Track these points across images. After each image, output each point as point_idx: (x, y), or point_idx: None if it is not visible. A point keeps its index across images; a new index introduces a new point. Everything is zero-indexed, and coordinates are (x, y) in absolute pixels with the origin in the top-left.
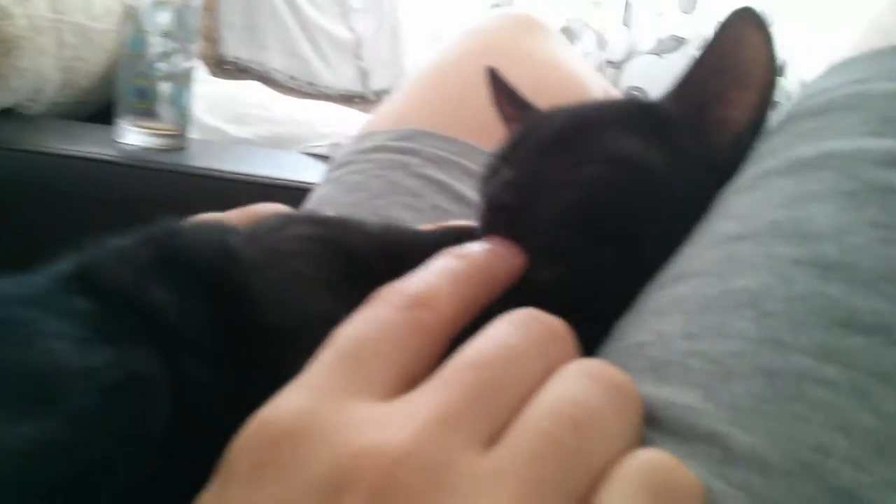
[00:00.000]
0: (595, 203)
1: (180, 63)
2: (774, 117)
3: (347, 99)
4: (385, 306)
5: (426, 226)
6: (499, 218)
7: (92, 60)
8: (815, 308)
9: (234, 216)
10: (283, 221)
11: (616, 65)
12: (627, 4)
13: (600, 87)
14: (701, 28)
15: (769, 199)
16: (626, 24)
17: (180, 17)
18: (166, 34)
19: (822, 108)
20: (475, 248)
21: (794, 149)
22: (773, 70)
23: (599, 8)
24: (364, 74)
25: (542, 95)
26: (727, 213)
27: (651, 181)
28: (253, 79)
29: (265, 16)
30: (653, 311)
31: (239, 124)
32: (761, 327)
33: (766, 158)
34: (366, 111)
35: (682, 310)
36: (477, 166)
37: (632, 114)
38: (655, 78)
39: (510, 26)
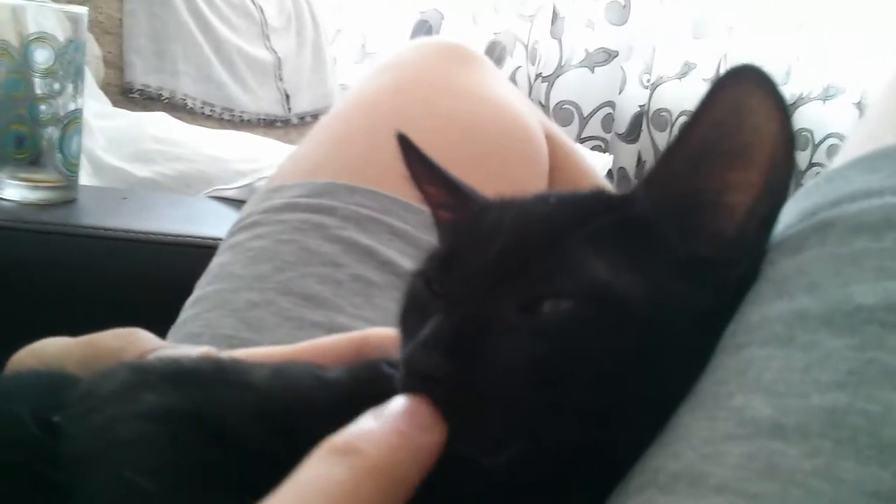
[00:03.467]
0: (561, 359)
1: (67, 104)
2: (786, 215)
3: (269, 124)
4: None
5: (336, 339)
6: (425, 389)
7: None
8: None
9: (77, 351)
10: (131, 383)
11: (547, 78)
12: (556, 17)
13: (538, 122)
14: (631, 40)
15: (816, 367)
16: (555, 36)
17: (65, 52)
18: (48, 73)
19: (875, 222)
20: (365, 434)
21: (845, 286)
22: (785, 141)
23: (529, 21)
24: (286, 97)
25: (479, 133)
26: (752, 376)
27: (631, 318)
28: (163, 108)
29: (175, 39)
30: None
31: (141, 162)
32: None
33: (800, 292)
34: (288, 137)
35: None
36: (407, 226)
37: (596, 216)
38: (586, 91)
39: (441, 58)
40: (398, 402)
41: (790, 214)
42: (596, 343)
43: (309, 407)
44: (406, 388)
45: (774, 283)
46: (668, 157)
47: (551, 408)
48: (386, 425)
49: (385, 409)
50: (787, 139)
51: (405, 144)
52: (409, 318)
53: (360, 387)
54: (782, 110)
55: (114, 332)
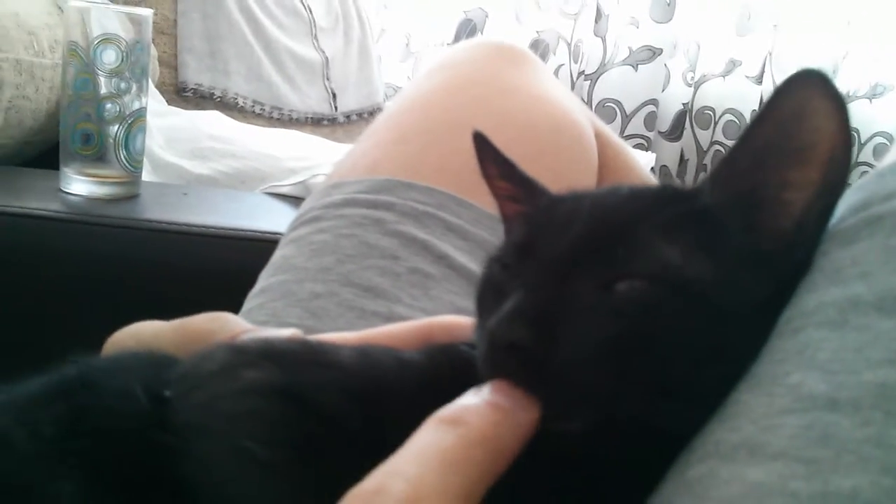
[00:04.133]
0: (634, 335)
1: (131, 104)
2: (840, 208)
3: (316, 122)
4: None
5: (406, 326)
6: (508, 360)
7: (37, 99)
8: None
9: (171, 334)
10: (231, 361)
11: (590, 76)
12: (599, 15)
13: (587, 120)
14: (675, 38)
15: (868, 346)
16: (598, 34)
17: (129, 53)
18: (114, 73)
19: None
20: (471, 408)
21: (894, 273)
22: (843, 140)
23: (572, 19)
24: (332, 96)
25: (532, 131)
26: (808, 356)
27: (700, 300)
28: (214, 106)
29: (227, 39)
30: (720, 501)
31: (198, 160)
32: None
33: (853, 280)
34: (335, 135)
35: None
36: (461, 221)
37: (666, 207)
38: (629, 89)
39: (493, 57)
40: (496, 384)
41: (843, 208)
42: (667, 322)
43: (393, 386)
44: (488, 359)
45: (828, 272)
46: (734, 155)
47: (624, 380)
48: (489, 401)
49: (485, 388)
50: (846, 139)
51: (480, 141)
52: (486, 300)
53: (439, 367)
54: (842, 111)
55: (205, 315)
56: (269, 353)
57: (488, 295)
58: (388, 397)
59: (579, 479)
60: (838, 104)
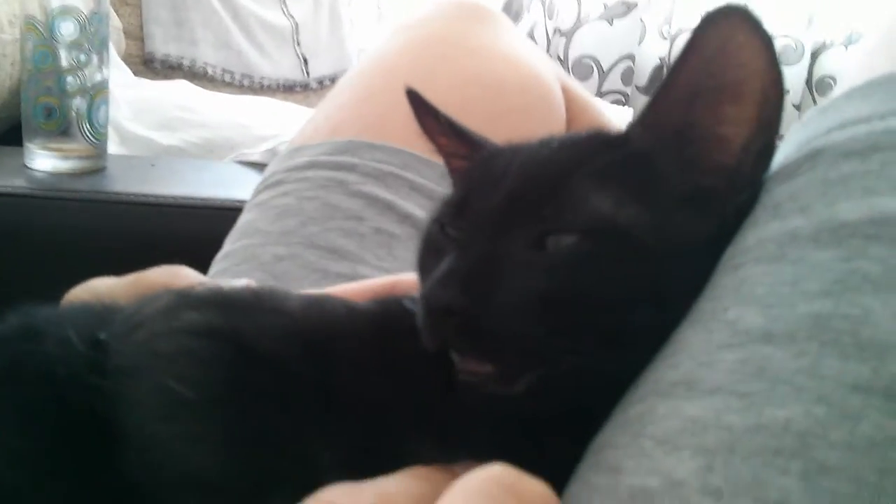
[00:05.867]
0: (567, 290)
1: (93, 75)
2: (785, 147)
3: (288, 89)
4: None
5: (361, 286)
6: (443, 325)
7: None
8: (891, 463)
9: (125, 287)
10: (172, 303)
11: (565, 33)
12: None
13: (554, 77)
14: None
15: (804, 279)
16: None
17: (89, 24)
18: (73, 45)
19: (862, 147)
20: None
21: (831, 205)
22: (773, 76)
23: None
24: (304, 62)
25: (497, 90)
26: (746, 291)
27: (634, 247)
28: (183, 76)
29: (192, 7)
30: (656, 437)
31: (166, 131)
32: (814, 490)
33: (792, 214)
34: (308, 101)
35: (698, 446)
36: (425, 180)
37: (596, 155)
38: (606, 45)
39: (457, 16)
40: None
41: (788, 145)
42: (602, 273)
43: (341, 332)
44: (426, 325)
45: (769, 207)
46: (661, 95)
47: (562, 335)
48: None
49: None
50: (776, 75)
51: (414, 99)
52: (426, 261)
53: (388, 317)
54: (768, 47)
55: (160, 268)
56: (213, 298)
57: (427, 256)
58: (334, 343)
59: (527, 432)
60: (763, 40)
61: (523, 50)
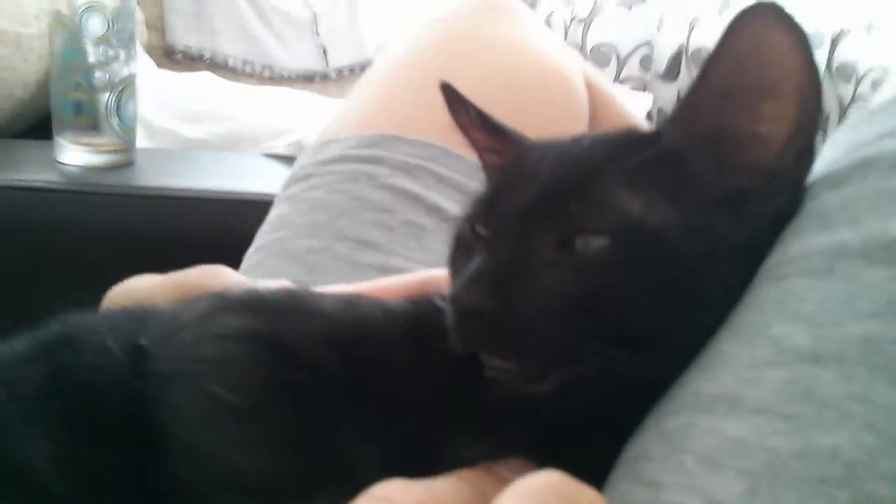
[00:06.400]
0: (596, 292)
1: (121, 70)
2: (831, 150)
3: (308, 79)
4: None
5: (393, 282)
6: (471, 327)
7: (26, 70)
8: None
9: (164, 289)
10: (211, 308)
11: (583, 21)
12: None
13: (577, 69)
14: None
15: (854, 298)
16: None
17: (116, 20)
18: (102, 41)
19: None
20: None
21: (883, 219)
22: (810, 74)
23: None
24: (323, 51)
25: (518, 84)
26: (791, 306)
27: (665, 250)
28: (205, 67)
29: None
30: (697, 454)
31: (191, 122)
32: None
33: (840, 226)
34: (327, 91)
35: (741, 468)
36: (453, 173)
37: (628, 154)
38: (623, 32)
39: (476, 11)
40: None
41: (835, 149)
42: (630, 276)
43: (376, 334)
44: (454, 327)
45: (815, 216)
46: (693, 93)
47: (589, 337)
48: None
49: None
50: (812, 72)
51: (449, 92)
52: (457, 259)
53: (422, 317)
54: (803, 44)
55: (199, 268)
56: (251, 301)
57: (458, 254)
58: (371, 344)
59: (556, 433)
60: (798, 37)
61: (546, 43)
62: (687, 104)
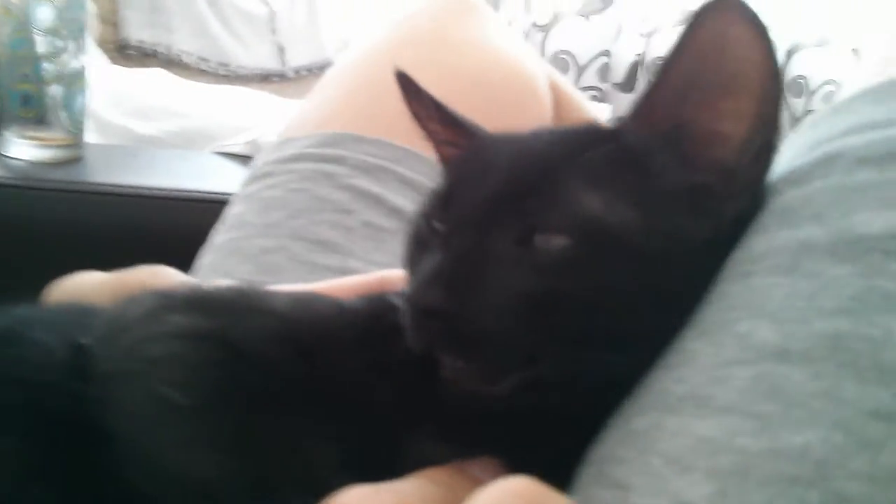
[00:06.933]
0: (554, 291)
1: (70, 62)
2: (794, 147)
3: (264, 78)
4: None
5: (349, 282)
6: (427, 326)
7: None
8: None
9: (106, 288)
10: (157, 307)
11: (542, 28)
12: None
13: (542, 71)
14: None
15: (820, 294)
16: None
17: (66, 10)
18: (51, 31)
19: (880, 154)
20: None
21: (848, 215)
22: (772, 70)
23: None
24: (281, 50)
25: (481, 84)
26: (758, 303)
27: (625, 248)
28: (158, 64)
29: None
30: (665, 455)
31: (144, 119)
32: None
33: (805, 222)
34: (284, 91)
35: (710, 468)
36: (416, 174)
37: (588, 150)
38: (583, 40)
39: (442, 10)
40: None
41: (797, 146)
42: (590, 275)
43: (330, 331)
44: (410, 326)
45: (780, 213)
46: (653, 89)
47: (547, 338)
48: None
49: None
50: (773, 69)
51: (405, 82)
52: (413, 256)
53: (376, 315)
54: (765, 40)
55: (143, 268)
56: (197, 299)
57: (414, 251)
58: (326, 343)
59: (517, 434)
60: (760, 32)
61: (510, 45)
62: (648, 100)
